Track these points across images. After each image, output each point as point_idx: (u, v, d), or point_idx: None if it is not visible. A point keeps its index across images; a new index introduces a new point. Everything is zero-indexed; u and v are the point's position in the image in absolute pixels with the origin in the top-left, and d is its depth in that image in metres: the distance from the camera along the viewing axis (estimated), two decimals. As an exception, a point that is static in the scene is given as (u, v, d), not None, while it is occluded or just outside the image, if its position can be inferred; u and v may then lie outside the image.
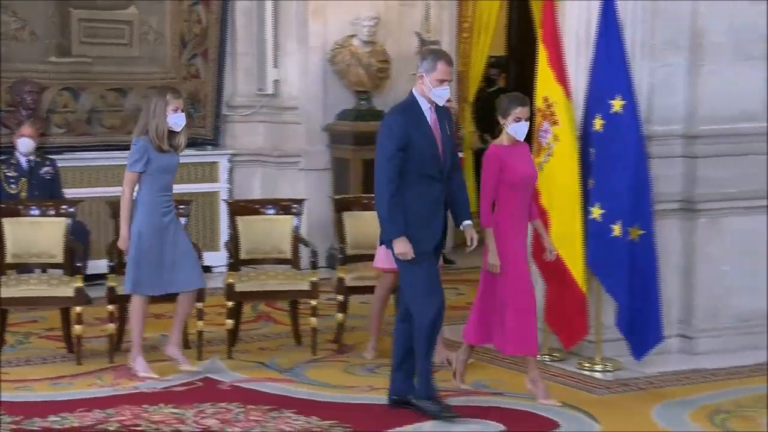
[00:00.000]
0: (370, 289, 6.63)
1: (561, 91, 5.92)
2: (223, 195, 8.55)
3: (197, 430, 5.03)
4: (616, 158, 5.76)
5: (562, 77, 5.92)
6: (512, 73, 11.24)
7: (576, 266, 5.82)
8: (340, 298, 6.46)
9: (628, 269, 5.76)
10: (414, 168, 5.05)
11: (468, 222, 5.21)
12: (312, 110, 8.75)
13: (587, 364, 5.92)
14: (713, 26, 6.06)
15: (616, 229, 5.74)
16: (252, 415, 5.23)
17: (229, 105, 8.94)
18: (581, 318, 5.84)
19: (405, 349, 5.26)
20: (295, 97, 8.76)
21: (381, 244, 5.42)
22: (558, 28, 5.98)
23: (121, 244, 5.83)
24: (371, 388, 5.66)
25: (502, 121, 5.36)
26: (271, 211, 6.70)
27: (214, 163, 8.68)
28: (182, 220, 6.36)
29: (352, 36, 8.60)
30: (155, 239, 5.74)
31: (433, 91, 5.08)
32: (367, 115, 8.63)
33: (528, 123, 5.36)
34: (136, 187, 5.79)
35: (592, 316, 5.89)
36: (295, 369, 6.03)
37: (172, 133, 5.76)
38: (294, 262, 6.65)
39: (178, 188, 8.22)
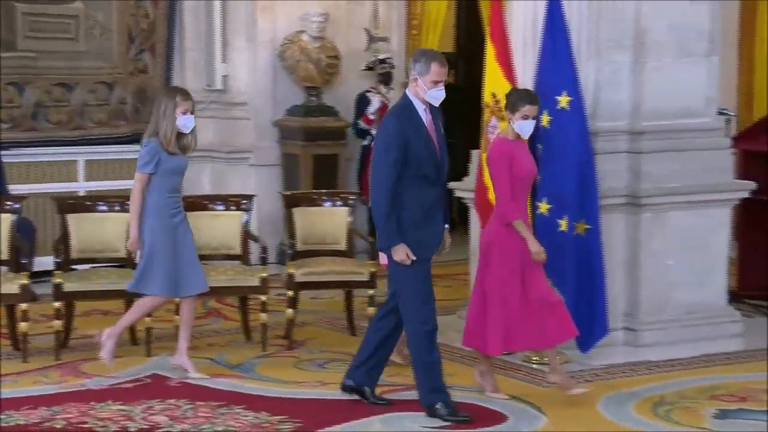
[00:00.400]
0: (320, 285, 6.65)
1: (509, 88, 5.96)
2: (173, 191, 8.49)
3: (145, 427, 5.01)
4: (562, 154, 5.82)
5: (509, 73, 5.97)
6: (461, 70, 11.31)
7: (523, 261, 5.88)
8: (290, 293, 6.46)
9: (575, 263, 5.83)
10: (412, 171, 5.03)
11: (446, 226, 5.21)
12: (261, 106, 8.73)
13: (534, 357, 5.98)
14: (656, 25, 6.15)
15: (563, 224, 5.81)
16: (201, 411, 5.21)
17: (191, 101, 8.88)
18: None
19: (376, 347, 5.26)
20: (244, 93, 8.74)
21: (380, 250, 5.34)
22: (505, 25, 6.04)
23: (132, 245, 5.75)
24: (321, 384, 5.67)
25: (509, 116, 5.32)
26: (221, 207, 6.68)
27: (163, 159, 8.61)
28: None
29: (301, 32, 8.60)
30: (168, 240, 5.69)
31: (428, 93, 5.07)
32: (316, 111, 8.64)
33: (534, 122, 5.32)
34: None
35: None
36: (244, 365, 6.03)
37: (180, 135, 5.70)
38: (244, 258, 6.63)
39: (126, 185, 8.25)
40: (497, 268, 5.27)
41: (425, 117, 5.12)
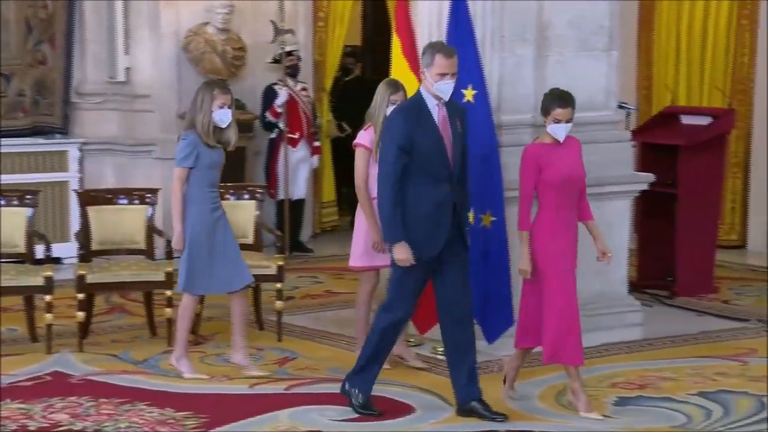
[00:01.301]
0: (226, 279, 6.59)
1: (415, 81, 5.99)
2: (74, 185, 8.33)
3: (45, 425, 4.90)
4: (467, 147, 5.87)
5: (415, 67, 6.00)
6: (368, 63, 11.33)
7: (430, 253, 5.92)
8: (196, 288, 6.38)
9: (481, 255, 5.88)
10: (417, 168, 4.87)
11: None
12: (166, 98, 8.61)
13: (441, 349, 6.01)
14: (557, 19, 6.25)
15: (469, 217, 5.86)
16: (103, 408, 5.13)
17: (78, 92, 8.71)
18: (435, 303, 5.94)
19: (453, 361, 5.11)
20: (148, 85, 8.60)
21: (385, 242, 5.15)
22: (411, 18, 6.06)
23: (177, 243, 5.58)
24: (228, 378, 5.63)
25: (543, 119, 5.13)
26: (124, 201, 6.58)
27: (64, 152, 8.45)
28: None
29: (206, 23, 8.50)
30: (207, 237, 5.54)
31: (435, 86, 4.89)
32: (222, 104, 8.54)
33: (569, 125, 5.08)
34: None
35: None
36: (149, 361, 5.94)
37: (219, 129, 5.56)
38: (148, 252, 6.54)
39: (25, 178, 8.07)
40: (550, 281, 5.08)
41: (437, 113, 4.93)
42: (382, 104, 5.60)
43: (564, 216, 5.10)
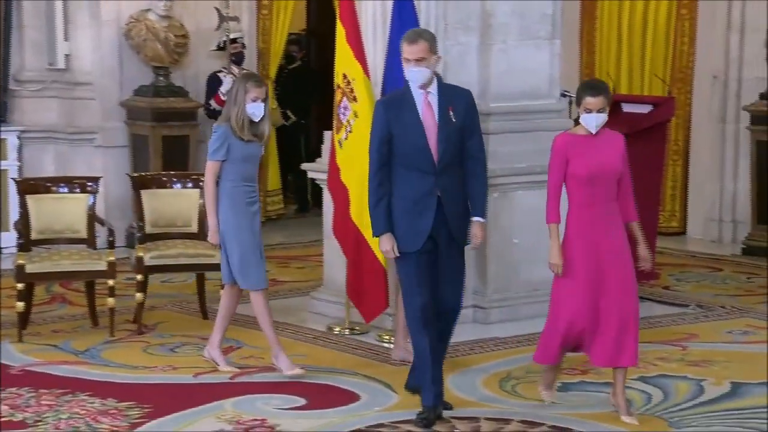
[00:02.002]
0: (169, 268, 6.54)
1: (359, 68, 5.99)
2: (13, 173, 8.19)
3: (-15, 417, 4.83)
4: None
5: (360, 54, 5.99)
6: (312, 51, 11.29)
7: (375, 241, 5.90)
8: (140, 277, 6.33)
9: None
10: (399, 159, 4.76)
11: (476, 219, 4.86)
12: (107, 85, 8.50)
13: (386, 337, 6.05)
14: (500, 7, 6.29)
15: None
16: (44, 399, 5.06)
17: (16, 79, 8.55)
18: (381, 291, 5.94)
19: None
20: (89, 72, 8.48)
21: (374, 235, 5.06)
22: (355, 5, 6.05)
23: (212, 237, 5.44)
24: (172, 368, 5.59)
25: (577, 109, 4.91)
26: (64, 190, 6.49)
27: (2, 140, 8.31)
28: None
29: (148, 10, 8.40)
30: (249, 230, 5.41)
31: (405, 73, 4.81)
32: (165, 91, 8.47)
33: (601, 115, 4.80)
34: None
35: (391, 289, 6.01)
36: (90, 351, 5.88)
37: (253, 122, 5.44)
38: (90, 241, 6.46)
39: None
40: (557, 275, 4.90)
41: (422, 102, 4.79)
42: None
43: (587, 214, 4.82)
